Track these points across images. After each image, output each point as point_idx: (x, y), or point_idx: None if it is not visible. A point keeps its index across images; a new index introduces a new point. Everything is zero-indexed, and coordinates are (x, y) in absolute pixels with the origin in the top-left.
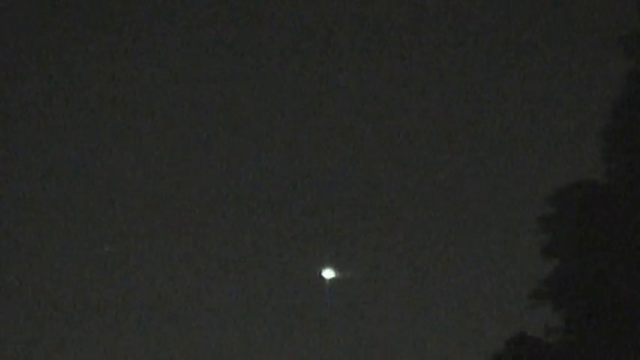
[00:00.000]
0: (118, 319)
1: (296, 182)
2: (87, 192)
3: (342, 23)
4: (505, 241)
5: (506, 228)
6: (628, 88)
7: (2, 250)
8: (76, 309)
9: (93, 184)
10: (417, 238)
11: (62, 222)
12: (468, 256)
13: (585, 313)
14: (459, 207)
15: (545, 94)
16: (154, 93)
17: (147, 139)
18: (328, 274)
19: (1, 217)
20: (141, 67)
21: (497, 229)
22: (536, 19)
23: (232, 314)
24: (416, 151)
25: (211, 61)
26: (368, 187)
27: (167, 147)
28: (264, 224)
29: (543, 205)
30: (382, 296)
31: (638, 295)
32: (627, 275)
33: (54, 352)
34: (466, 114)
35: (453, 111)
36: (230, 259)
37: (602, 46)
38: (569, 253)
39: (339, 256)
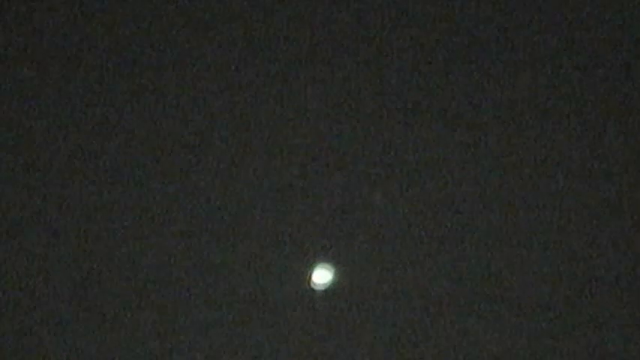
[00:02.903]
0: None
1: (285, 178)
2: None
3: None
4: (499, 242)
5: (503, 228)
6: None
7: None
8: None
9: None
10: (418, 239)
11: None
12: (468, 260)
13: None
14: (459, 208)
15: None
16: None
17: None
18: (319, 278)
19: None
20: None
21: (491, 230)
22: None
23: (213, 325)
24: (410, 144)
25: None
26: (362, 182)
27: (144, 152)
28: (248, 224)
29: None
30: (381, 303)
31: None
32: None
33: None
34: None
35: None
36: (209, 263)
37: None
38: None
39: (331, 258)
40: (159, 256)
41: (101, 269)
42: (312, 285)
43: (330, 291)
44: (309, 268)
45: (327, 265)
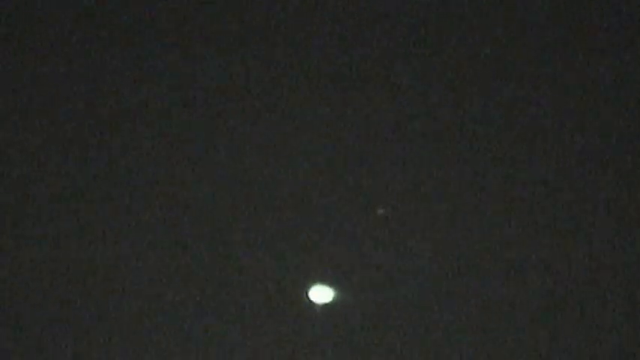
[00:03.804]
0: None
1: (280, 186)
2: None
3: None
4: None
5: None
6: None
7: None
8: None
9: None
10: (418, 256)
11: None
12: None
13: None
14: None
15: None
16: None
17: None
18: (318, 295)
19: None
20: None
21: (492, 247)
22: None
23: (210, 341)
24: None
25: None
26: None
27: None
28: (240, 233)
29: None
30: (384, 323)
31: None
32: None
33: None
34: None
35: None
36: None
37: None
38: None
39: (330, 272)
40: (155, 270)
41: (95, 276)
42: (311, 301)
43: (329, 307)
44: (309, 284)
45: (326, 282)
